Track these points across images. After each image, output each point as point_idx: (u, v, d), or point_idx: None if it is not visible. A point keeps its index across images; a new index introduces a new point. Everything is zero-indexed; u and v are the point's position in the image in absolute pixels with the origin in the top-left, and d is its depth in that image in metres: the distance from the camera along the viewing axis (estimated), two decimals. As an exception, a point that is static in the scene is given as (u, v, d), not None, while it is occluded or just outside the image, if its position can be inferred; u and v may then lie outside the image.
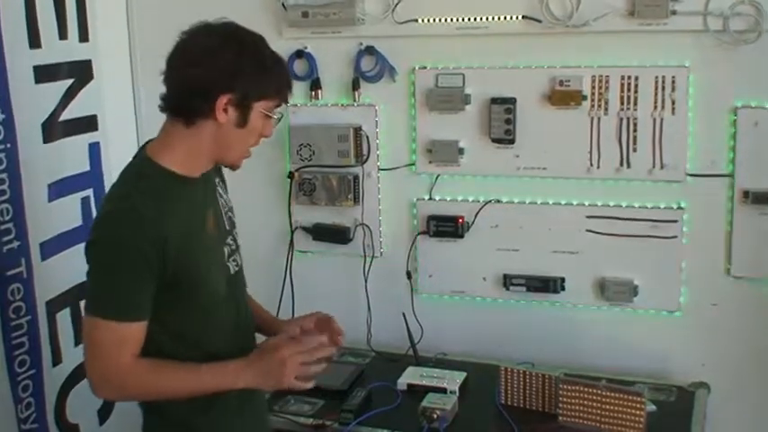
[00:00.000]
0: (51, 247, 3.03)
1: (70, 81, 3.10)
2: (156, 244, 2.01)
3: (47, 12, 2.97)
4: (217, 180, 2.30)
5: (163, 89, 3.07)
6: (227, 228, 2.28)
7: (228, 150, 2.14)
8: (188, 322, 2.16)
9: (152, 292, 2.05)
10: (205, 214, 2.20)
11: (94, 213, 3.19)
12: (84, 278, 3.12)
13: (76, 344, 3.16)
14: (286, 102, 2.18)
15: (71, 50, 3.10)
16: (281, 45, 3.23)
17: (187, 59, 2.07)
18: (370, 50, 3.18)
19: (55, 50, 3.01)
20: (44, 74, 2.96)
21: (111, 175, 3.27)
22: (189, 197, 2.14)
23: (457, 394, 2.85)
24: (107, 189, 3.18)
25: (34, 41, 2.91)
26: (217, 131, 2.08)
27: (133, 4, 3.48)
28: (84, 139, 3.18)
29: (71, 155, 3.13)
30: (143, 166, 2.14)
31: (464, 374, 2.98)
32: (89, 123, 3.20)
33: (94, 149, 3.22)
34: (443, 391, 2.86)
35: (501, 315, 3.25)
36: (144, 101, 3.52)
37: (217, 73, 2.03)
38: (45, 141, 2.97)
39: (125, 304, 2.03)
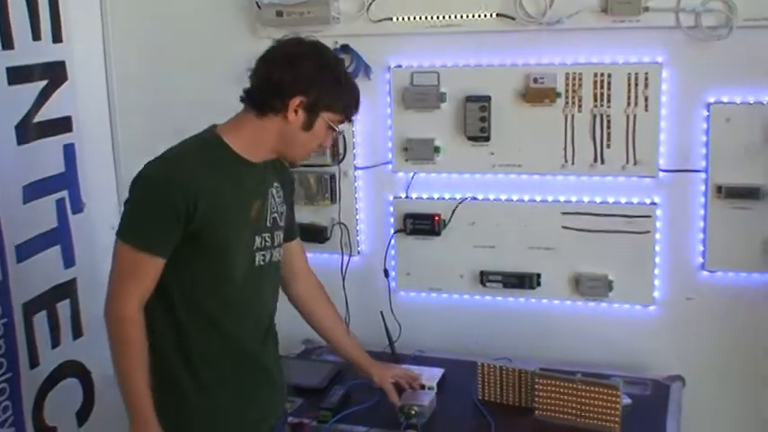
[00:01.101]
0: (27, 249, 3.03)
1: (44, 82, 3.08)
2: (187, 194, 2.18)
3: (19, 13, 2.95)
4: (276, 184, 2.44)
5: (138, 88, 3.20)
6: (268, 224, 2.40)
7: (289, 147, 2.33)
8: (202, 290, 2.30)
9: (174, 237, 2.22)
10: (251, 199, 2.35)
11: (70, 215, 3.20)
12: (60, 280, 3.16)
13: (54, 346, 3.17)
14: (349, 120, 2.39)
15: (45, 51, 3.08)
16: (256, 44, 3.22)
17: (274, 61, 2.28)
18: (345, 49, 3.18)
19: (28, 52, 3.00)
20: (18, 75, 2.95)
21: (86, 177, 3.27)
22: (239, 175, 2.31)
23: (435, 390, 2.86)
24: (82, 190, 3.22)
25: (7, 43, 2.90)
26: (283, 128, 2.28)
27: (107, 5, 3.47)
28: (59, 140, 3.17)
29: (46, 156, 3.12)
30: (207, 137, 2.33)
31: (442, 371, 2.98)
32: (64, 124, 3.18)
33: (69, 151, 3.21)
34: (421, 387, 2.87)
35: (478, 311, 3.27)
36: (118, 101, 3.52)
37: (296, 77, 2.24)
38: (19, 143, 2.97)
39: (145, 236, 2.21)
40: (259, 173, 2.36)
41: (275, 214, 2.42)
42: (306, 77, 2.24)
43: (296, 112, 2.25)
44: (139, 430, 2.24)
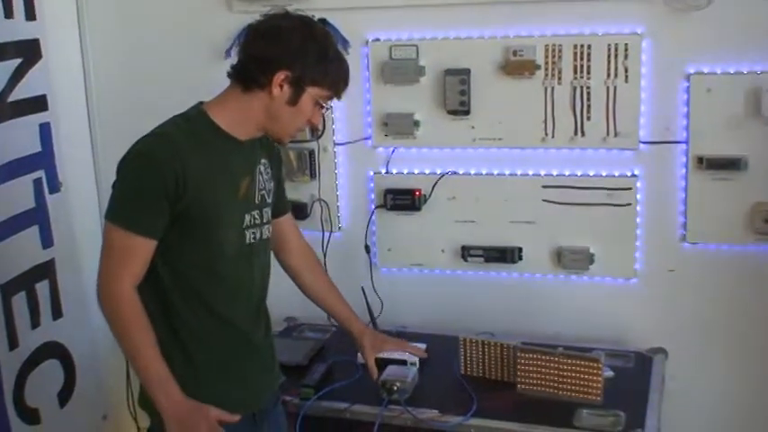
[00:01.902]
0: (5, 230, 3.01)
1: (18, 61, 3.05)
2: (176, 172, 2.16)
3: (-9, -10, 2.92)
4: (264, 161, 2.43)
5: (114, 65, 3.27)
6: (257, 202, 2.39)
7: (275, 123, 2.31)
8: (193, 270, 2.29)
9: (164, 217, 2.20)
10: (239, 177, 2.34)
11: (47, 195, 3.17)
12: (39, 260, 3.13)
13: (33, 327, 3.14)
14: (338, 97, 2.35)
15: (18, 29, 3.04)
16: (232, 19, 3.22)
17: (260, 34, 2.27)
18: (322, 23, 3.12)
19: (1, 30, 2.95)
20: (-10, 54, 2.92)
21: (63, 156, 3.24)
22: (226, 153, 2.30)
23: (417, 366, 2.85)
24: (59, 170, 3.19)
25: (-22, 21, 2.86)
26: (268, 103, 2.26)
27: (81, -19, 3.43)
28: (35, 119, 3.13)
29: (22, 136, 3.08)
30: (192, 113, 2.32)
31: (424, 346, 2.97)
32: (39, 103, 3.15)
33: (45, 130, 3.18)
34: (403, 363, 2.86)
35: (460, 286, 3.27)
36: (94, 79, 3.48)
37: (281, 50, 2.22)
38: (-6, 123, 2.94)
39: (136, 218, 2.19)
40: (246, 150, 2.35)
41: (263, 191, 2.42)
42: (291, 52, 2.22)
43: (281, 87, 2.23)
44: (157, 392, 2.22)
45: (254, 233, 2.38)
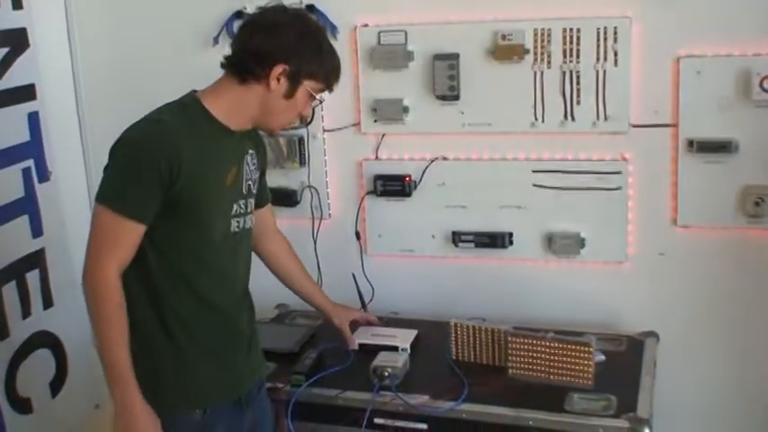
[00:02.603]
0: (-6, 219, 3.00)
1: (5, 50, 3.04)
2: (170, 158, 2.18)
3: (-23, -20, 2.91)
4: (251, 151, 2.46)
5: (102, 54, 3.24)
6: (243, 192, 2.42)
7: (269, 116, 2.34)
8: (181, 257, 2.30)
9: (156, 203, 2.21)
10: (228, 165, 2.36)
11: (36, 184, 3.17)
12: (29, 250, 3.12)
13: (24, 316, 3.14)
14: (330, 89, 2.39)
15: (5, 18, 3.04)
16: (220, 6, 3.21)
17: (257, 27, 2.31)
18: (310, 9, 3.13)
19: (-13, 19, 2.95)
20: (-23, 43, 2.91)
21: (51, 145, 3.23)
22: (217, 141, 2.31)
23: (408, 352, 2.85)
24: (48, 159, 3.18)
25: (-36, 10, 2.85)
26: (264, 96, 2.29)
27: (68, -30, 3.41)
28: (23, 108, 3.13)
29: (10, 125, 3.08)
30: (186, 100, 2.33)
31: (415, 332, 2.97)
32: (27, 92, 3.14)
33: (34, 119, 3.17)
34: (395, 349, 2.86)
35: (450, 272, 3.26)
36: (82, 67, 3.46)
37: (279, 45, 2.26)
38: (-19, 112, 2.93)
39: (128, 202, 2.19)
40: (236, 140, 2.37)
41: (249, 181, 2.44)
42: (288, 45, 2.25)
43: (278, 80, 2.26)
44: (118, 393, 2.23)
45: (238, 222, 2.40)
